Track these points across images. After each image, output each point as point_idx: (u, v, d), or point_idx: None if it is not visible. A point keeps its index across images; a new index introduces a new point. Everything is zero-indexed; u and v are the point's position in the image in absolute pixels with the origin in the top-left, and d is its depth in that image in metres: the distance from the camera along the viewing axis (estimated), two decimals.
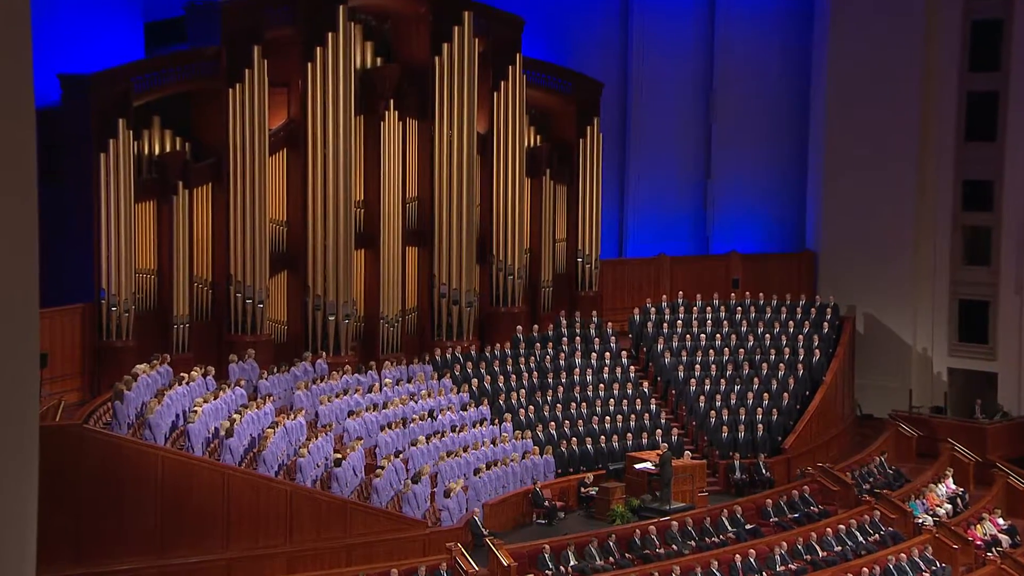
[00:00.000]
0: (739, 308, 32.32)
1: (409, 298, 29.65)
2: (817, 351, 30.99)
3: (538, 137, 32.25)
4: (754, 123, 35.84)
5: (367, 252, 28.92)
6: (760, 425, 28.71)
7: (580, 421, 28.15)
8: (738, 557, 22.78)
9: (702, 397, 29.31)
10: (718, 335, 31.33)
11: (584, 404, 28.77)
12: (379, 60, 29.24)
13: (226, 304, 26.94)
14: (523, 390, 28.60)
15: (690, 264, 34.59)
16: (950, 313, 33.62)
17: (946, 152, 33.45)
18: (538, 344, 30.19)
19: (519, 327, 30.40)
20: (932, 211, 33.69)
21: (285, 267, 28.10)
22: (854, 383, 32.83)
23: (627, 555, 23.18)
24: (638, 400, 29.20)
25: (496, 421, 27.25)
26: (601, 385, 29.35)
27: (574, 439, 27.51)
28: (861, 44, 34.21)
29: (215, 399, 23.44)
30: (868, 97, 34.04)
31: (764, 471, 27.84)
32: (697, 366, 30.33)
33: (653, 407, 29.25)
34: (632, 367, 30.55)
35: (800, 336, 31.41)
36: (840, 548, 24.03)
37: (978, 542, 25.41)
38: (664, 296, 32.77)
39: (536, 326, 30.93)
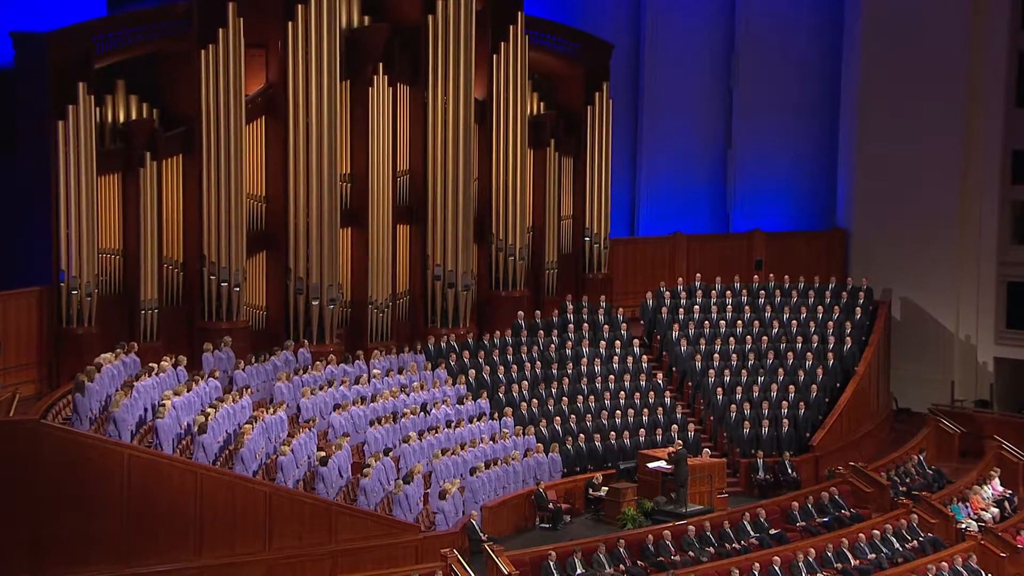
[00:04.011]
0: (762, 292, 32.32)
1: (400, 281, 29.66)
2: (849, 339, 30.99)
3: (542, 104, 32.22)
4: (779, 88, 35.80)
5: (354, 230, 28.91)
6: (785, 420, 28.74)
7: (588, 416, 28.19)
8: (761, 565, 22.79)
9: (721, 389, 29.34)
10: (739, 321, 31.33)
11: (592, 397, 28.81)
12: (367, 19, 29.18)
13: (199, 287, 26.94)
14: (525, 382, 28.62)
15: (709, 243, 34.64)
16: (997, 297, 33.63)
17: (994, 119, 33.42)
18: (542, 331, 30.19)
19: (521, 313, 30.40)
20: (978, 185, 33.66)
21: (264, 247, 28.11)
22: (890, 374, 32.88)
23: (639, 563, 23.22)
24: (651, 393, 29.22)
25: (495, 416, 27.28)
26: (611, 376, 29.36)
27: (581, 435, 27.54)
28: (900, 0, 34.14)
29: (187, 392, 23.44)
30: (907, 58, 33.94)
31: (790, 471, 27.88)
32: (716, 355, 30.33)
33: (668, 400, 29.28)
34: (645, 356, 30.58)
35: (830, 322, 31.40)
36: (874, 556, 24.05)
37: None
38: (680, 279, 32.80)
39: (539, 312, 30.95)
